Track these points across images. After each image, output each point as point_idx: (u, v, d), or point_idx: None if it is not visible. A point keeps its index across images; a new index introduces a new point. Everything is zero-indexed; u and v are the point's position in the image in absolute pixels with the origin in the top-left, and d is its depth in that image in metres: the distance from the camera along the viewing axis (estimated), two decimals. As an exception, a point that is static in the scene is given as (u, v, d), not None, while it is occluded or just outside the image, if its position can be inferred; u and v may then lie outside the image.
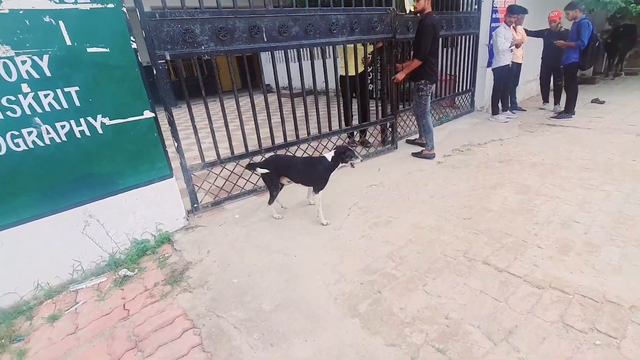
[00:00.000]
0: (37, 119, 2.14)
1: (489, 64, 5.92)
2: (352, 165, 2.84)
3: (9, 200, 2.12)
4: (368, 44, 4.11)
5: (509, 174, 3.62)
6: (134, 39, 2.45)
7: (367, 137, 4.68)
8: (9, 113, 2.04)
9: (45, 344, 1.91)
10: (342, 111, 4.15)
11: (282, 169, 2.89)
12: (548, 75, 6.40)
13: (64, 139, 2.25)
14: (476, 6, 5.88)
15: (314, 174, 2.81)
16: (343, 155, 2.79)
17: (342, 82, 4.28)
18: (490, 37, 5.79)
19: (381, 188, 3.51)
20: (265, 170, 2.85)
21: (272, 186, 2.89)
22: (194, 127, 3.06)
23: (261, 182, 3.53)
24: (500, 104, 5.95)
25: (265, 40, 3.16)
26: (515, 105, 6.38)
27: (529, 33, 6.03)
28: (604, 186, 3.13)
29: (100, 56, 2.33)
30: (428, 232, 2.65)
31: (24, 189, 2.16)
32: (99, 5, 2.26)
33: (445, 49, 5.67)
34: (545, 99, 6.63)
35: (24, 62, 2.05)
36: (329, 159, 2.79)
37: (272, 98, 3.69)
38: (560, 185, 3.22)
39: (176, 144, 2.91)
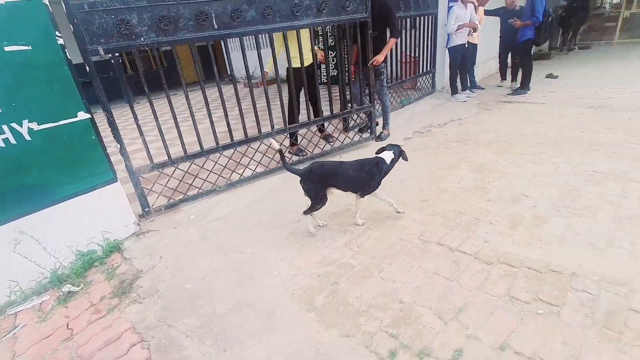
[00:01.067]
0: (-52, 130, 1.94)
1: (447, 44, 5.97)
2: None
3: None
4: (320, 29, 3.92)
5: (465, 153, 3.67)
6: (60, 34, 2.26)
7: (328, 131, 4.56)
8: None
9: (-22, 375, 1.77)
10: (299, 106, 4.03)
11: (330, 179, 2.44)
12: (506, 52, 6.53)
13: (-16, 149, 2.06)
14: (433, -14, 5.85)
15: (369, 178, 2.45)
16: (404, 153, 2.58)
17: (297, 74, 3.77)
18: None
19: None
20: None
21: (317, 199, 2.44)
22: (138, 126, 2.89)
23: (220, 181, 3.41)
24: (459, 84, 6.04)
25: (216, 27, 2.93)
26: (474, 84, 6.50)
27: (487, 12, 6.11)
28: (553, 159, 3.23)
29: (21, 55, 2.12)
30: (385, 218, 2.65)
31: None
32: (14, -1, 2.04)
33: (404, 31, 5.66)
34: (503, 77, 6.80)
35: None
36: (388, 160, 2.47)
37: (232, 92, 3.48)
38: (514, 162, 3.30)
39: (119, 146, 2.73)
